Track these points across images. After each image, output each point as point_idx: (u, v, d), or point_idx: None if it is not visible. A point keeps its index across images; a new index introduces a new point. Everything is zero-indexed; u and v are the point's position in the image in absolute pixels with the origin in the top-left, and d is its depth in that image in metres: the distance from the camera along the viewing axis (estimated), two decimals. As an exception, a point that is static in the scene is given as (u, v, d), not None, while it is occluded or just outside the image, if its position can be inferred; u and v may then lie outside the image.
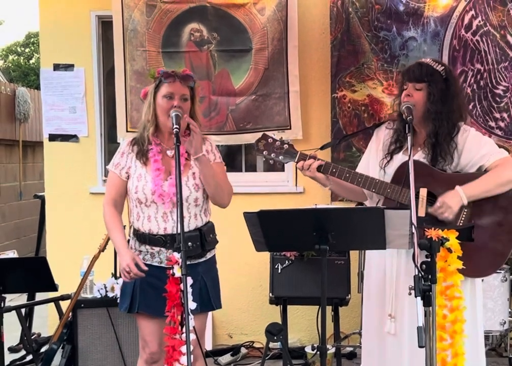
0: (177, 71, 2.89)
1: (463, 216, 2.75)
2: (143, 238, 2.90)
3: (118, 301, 3.05)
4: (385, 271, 2.86)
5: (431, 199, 2.76)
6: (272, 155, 2.87)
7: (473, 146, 2.81)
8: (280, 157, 2.87)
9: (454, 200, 2.71)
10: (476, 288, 2.86)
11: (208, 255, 2.97)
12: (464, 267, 2.61)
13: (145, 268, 2.79)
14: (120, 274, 2.86)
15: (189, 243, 2.82)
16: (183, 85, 2.87)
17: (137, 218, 2.92)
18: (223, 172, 3.02)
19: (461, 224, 2.74)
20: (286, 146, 2.87)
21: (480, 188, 2.74)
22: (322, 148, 3.08)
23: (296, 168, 2.90)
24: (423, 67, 2.82)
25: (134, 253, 2.86)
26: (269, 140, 2.88)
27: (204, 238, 2.90)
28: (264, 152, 2.88)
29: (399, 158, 2.87)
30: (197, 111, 2.96)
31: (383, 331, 2.83)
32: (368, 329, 2.98)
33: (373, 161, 2.97)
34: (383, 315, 2.84)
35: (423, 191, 2.72)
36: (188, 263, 2.65)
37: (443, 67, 2.84)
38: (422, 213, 2.69)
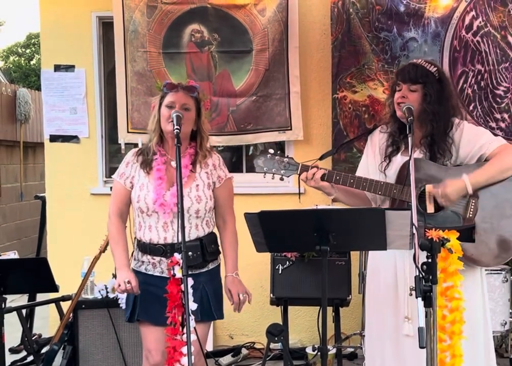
0: (182, 83, 2.93)
1: (472, 207, 2.77)
2: (144, 248, 2.91)
3: (119, 302, 3.06)
4: (396, 273, 2.85)
5: None
6: (273, 170, 2.86)
7: (470, 138, 2.83)
8: (282, 171, 2.85)
9: (454, 188, 2.72)
10: (484, 287, 2.88)
11: (211, 266, 2.96)
12: (475, 258, 2.65)
13: (138, 292, 2.85)
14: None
15: (189, 253, 2.81)
16: (186, 95, 2.88)
17: (139, 228, 2.93)
18: (231, 190, 3.03)
19: (470, 215, 2.76)
20: (286, 159, 2.85)
21: (484, 176, 2.77)
22: (321, 158, 3.05)
23: (299, 179, 2.88)
24: (417, 68, 2.83)
25: (133, 274, 2.88)
26: (268, 156, 2.86)
27: (205, 248, 2.90)
28: (264, 169, 2.86)
29: (398, 160, 2.88)
30: (203, 123, 2.95)
31: (399, 333, 2.81)
32: (377, 331, 2.93)
33: (372, 167, 2.97)
34: (398, 317, 2.82)
35: (429, 188, 2.73)
36: (191, 272, 2.65)
37: (436, 68, 2.86)
38: (430, 210, 2.71)
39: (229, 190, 3.03)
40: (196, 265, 2.86)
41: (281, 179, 2.89)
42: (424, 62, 2.87)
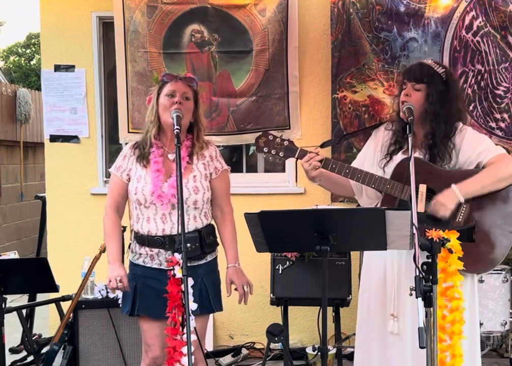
0: (180, 74, 2.94)
1: (462, 211, 2.77)
2: (142, 240, 2.92)
3: (119, 302, 3.05)
4: (385, 270, 2.87)
5: (431, 194, 2.78)
6: (272, 151, 2.90)
7: (470, 144, 2.83)
8: (280, 154, 2.90)
9: (448, 198, 2.73)
10: (475, 289, 2.87)
11: (209, 258, 2.97)
12: (464, 267, 2.62)
13: (129, 290, 2.87)
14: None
15: (188, 244, 2.82)
16: (185, 85, 2.90)
17: (137, 221, 2.93)
18: (227, 181, 3.04)
19: (460, 220, 2.76)
20: (286, 142, 2.90)
21: (476, 185, 2.76)
22: (322, 146, 3.10)
23: (296, 167, 2.92)
24: (423, 67, 2.84)
25: (125, 270, 2.90)
26: (269, 137, 2.91)
27: (203, 240, 2.90)
28: (264, 149, 2.91)
29: (398, 158, 2.89)
30: (201, 114, 2.97)
31: (385, 331, 2.83)
32: (366, 329, 2.96)
33: (369, 160, 2.99)
34: (385, 315, 2.84)
35: (422, 187, 2.73)
36: (188, 264, 2.66)
37: (444, 70, 2.85)
38: (421, 209, 2.71)
39: (226, 181, 3.04)
40: (194, 257, 2.87)
41: (279, 160, 2.93)
42: (433, 62, 2.87)
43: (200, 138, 2.96)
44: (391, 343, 2.82)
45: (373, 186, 2.83)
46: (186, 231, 2.81)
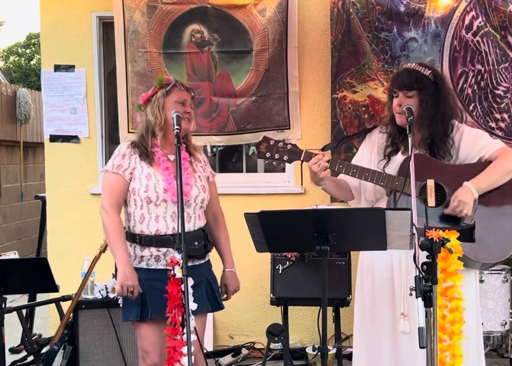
0: (185, 83, 3.03)
1: (472, 205, 2.78)
2: (148, 240, 2.85)
3: (119, 302, 2.99)
4: (392, 270, 2.86)
5: (439, 190, 2.79)
6: (276, 156, 2.85)
7: (470, 139, 2.86)
8: (285, 157, 2.86)
9: (467, 196, 2.75)
10: (477, 289, 2.88)
11: (207, 258, 3.00)
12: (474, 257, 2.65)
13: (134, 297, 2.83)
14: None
15: (196, 242, 2.85)
16: (189, 95, 2.98)
17: (141, 221, 2.86)
18: (216, 189, 3.11)
19: (471, 213, 2.78)
20: (289, 145, 2.86)
21: (487, 181, 2.80)
22: (323, 149, 3.08)
23: (301, 167, 2.90)
24: (411, 74, 2.84)
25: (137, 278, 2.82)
26: (271, 142, 2.87)
27: (206, 238, 2.93)
28: (267, 155, 2.86)
29: (398, 159, 2.90)
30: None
31: (395, 330, 2.82)
32: (371, 329, 2.94)
33: (366, 163, 2.98)
34: (394, 315, 2.84)
35: (431, 182, 2.74)
36: (192, 263, 2.67)
37: (430, 71, 2.86)
38: (432, 203, 2.72)
39: (216, 187, 3.12)
40: (199, 255, 2.90)
41: (283, 164, 2.93)
42: (418, 66, 2.87)
43: (190, 141, 3.05)
44: (403, 343, 2.81)
45: (381, 184, 2.82)
46: (193, 229, 2.86)
